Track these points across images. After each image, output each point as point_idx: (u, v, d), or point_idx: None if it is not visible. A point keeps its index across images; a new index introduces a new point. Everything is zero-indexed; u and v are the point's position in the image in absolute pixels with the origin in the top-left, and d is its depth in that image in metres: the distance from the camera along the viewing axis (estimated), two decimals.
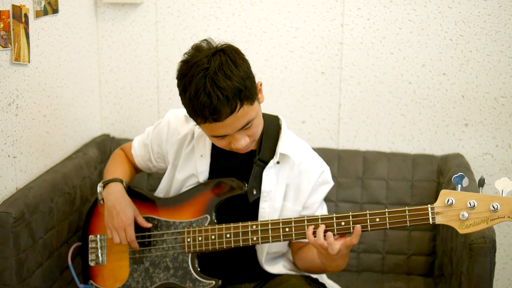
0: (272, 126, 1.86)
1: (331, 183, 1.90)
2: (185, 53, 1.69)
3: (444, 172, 2.29)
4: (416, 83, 2.39)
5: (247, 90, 1.63)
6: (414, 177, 2.35)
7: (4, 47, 1.85)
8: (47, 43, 2.13)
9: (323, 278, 2.02)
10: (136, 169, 2.07)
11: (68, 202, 2.12)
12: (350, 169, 2.38)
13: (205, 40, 1.69)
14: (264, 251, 1.87)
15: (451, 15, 2.32)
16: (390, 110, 2.43)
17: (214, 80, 1.59)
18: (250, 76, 1.66)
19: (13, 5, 1.88)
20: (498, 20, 2.29)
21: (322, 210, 1.91)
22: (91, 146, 2.41)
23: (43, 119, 2.14)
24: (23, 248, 1.85)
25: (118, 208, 1.85)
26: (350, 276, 2.32)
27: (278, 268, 1.92)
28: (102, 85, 2.58)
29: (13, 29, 1.88)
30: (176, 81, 1.69)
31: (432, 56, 2.36)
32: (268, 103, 2.47)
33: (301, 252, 1.90)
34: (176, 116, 1.93)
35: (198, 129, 1.88)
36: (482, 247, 1.73)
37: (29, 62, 1.99)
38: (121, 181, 1.92)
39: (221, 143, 1.71)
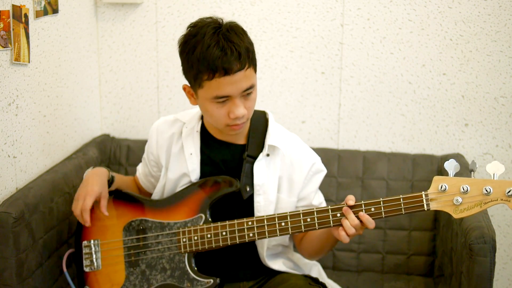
0: (259, 121, 1.87)
1: (323, 171, 1.91)
2: (190, 24, 1.75)
3: (444, 172, 2.29)
4: (416, 83, 2.39)
5: (254, 55, 1.72)
6: (414, 177, 2.35)
7: (4, 47, 1.85)
8: (47, 43, 2.13)
9: (323, 277, 2.02)
10: (143, 193, 2.09)
11: (68, 202, 2.12)
12: (350, 169, 2.38)
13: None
14: (265, 246, 1.87)
15: (451, 15, 2.32)
16: (390, 110, 2.43)
17: (226, 36, 1.67)
18: (254, 47, 1.74)
19: (13, 5, 1.88)
20: (498, 20, 2.29)
21: (319, 199, 1.91)
22: (91, 146, 2.41)
23: (43, 119, 2.14)
24: (23, 248, 1.85)
25: (90, 181, 1.87)
26: (350, 276, 2.32)
27: (278, 264, 1.91)
28: (102, 85, 2.58)
29: (13, 29, 1.88)
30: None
31: (432, 56, 2.36)
32: (268, 103, 2.47)
33: (308, 237, 1.89)
34: (164, 120, 1.96)
35: (186, 128, 1.88)
36: (482, 247, 1.73)
37: (29, 62, 1.99)
38: (109, 171, 1.94)
39: (219, 112, 1.71)
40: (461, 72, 2.36)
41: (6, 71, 1.89)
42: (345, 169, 2.38)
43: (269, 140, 1.82)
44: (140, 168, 2.08)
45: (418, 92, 2.40)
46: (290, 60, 2.45)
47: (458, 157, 2.33)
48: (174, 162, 1.90)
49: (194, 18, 2.45)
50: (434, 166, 2.34)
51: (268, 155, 1.83)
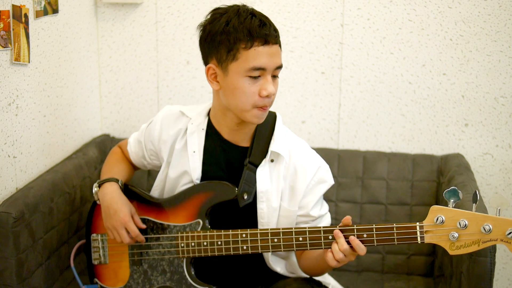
0: (267, 123, 1.82)
1: (328, 182, 1.82)
2: (211, 11, 1.74)
3: (444, 172, 2.29)
4: (416, 83, 2.39)
5: None
6: (414, 177, 2.35)
7: (4, 47, 1.85)
8: (47, 43, 2.13)
9: (325, 277, 1.99)
10: (134, 166, 2.06)
11: (68, 202, 2.12)
12: (350, 169, 2.38)
13: None
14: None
15: (451, 15, 2.32)
16: (390, 110, 2.43)
17: (259, 13, 1.70)
18: None
19: (13, 5, 1.88)
20: (498, 20, 2.29)
21: (320, 210, 1.83)
22: (91, 146, 2.41)
23: (43, 119, 2.14)
24: (23, 248, 1.85)
25: (115, 207, 1.83)
26: (350, 276, 2.32)
27: (281, 266, 1.90)
28: (102, 85, 2.58)
29: (13, 29, 1.88)
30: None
31: (432, 56, 2.36)
32: None
33: (304, 255, 1.84)
34: (171, 111, 1.91)
35: (191, 125, 1.85)
36: None
37: (29, 62, 1.99)
38: (117, 181, 1.90)
39: (250, 89, 1.67)
40: (461, 72, 2.36)
41: (6, 71, 1.89)
42: (345, 169, 2.38)
43: (273, 146, 1.78)
44: (132, 146, 2.00)
45: (418, 92, 2.40)
46: (290, 60, 2.45)
47: (458, 157, 2.33)
48: (177, 159, 1.87)
49: (194, 18, 2.47)
50: (434, 166, 2.34)
51: (272, 160, 1.79)
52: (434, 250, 2.33)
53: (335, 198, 2.37)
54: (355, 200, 2.37)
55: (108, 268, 1.93)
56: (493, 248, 1.73)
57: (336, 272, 2.32)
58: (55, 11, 2.15)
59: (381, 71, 2.40)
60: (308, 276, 1.91)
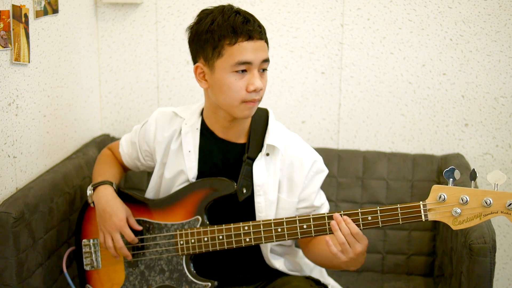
0: (260, 119, 1.85)
1: (325, 171, 1.87)
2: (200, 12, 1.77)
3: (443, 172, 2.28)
4: (416, 83, 2.39)
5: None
6: (414, 177, 2.35)
7: (4, 47, 1.85)
8: (47, 43, 2.13)
9: (324, 277, 2.01)
10: (124, 168, 2.06)
11: (68, 202, 2.12)
12: (350, 169, 2.38)
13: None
14: (268, 245, 1.86)
15: (451, 15, 2.32)
16: (390, 110, 2.43)
17: (243, 11, 1.73)
18: None
19: (13, 5, 1.88)
20: (498, 20, 2.30)
21: (320, 199, 1.88)
22: (91, 146, 2.41)
23: (43, 119, 2.14)
24: (23, 248, 1.85)
25: (109, 211, 1.83)
26: (350, 276, 2.32)
27: (280, 263, 1.90)
28: (102, 85, 2.58)
29: (13, 29, 1.88)
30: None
31: (432, 56, 2.36)
32: (268, 103, 2.47)
33: (315, 248, 1.84)
34: (164, 113, 1.92)
35: (185, 125, 1.86)
36: (482, 247, 1.73)
37: (29, 62, 1.99)
38: (111, 184, 1.90)
39: (238, 85, 1.69)
40: (461, 72, 2.36)
41: (6, 71, 1.89)
42: (345, 169, 2.38)
43: (268, 139, 1.81)
44: (125, 148, 2.01)
45: (418, 92, 2.40)
46: (290, 60, 2.45)
47: (458, 157, 2.33)
48: (172, 159, 1.88)
49: (194, 18, 2.47)
50: (434, 166, 2.34)
51: (268, 154, 1.81)
52: (434, 250, 2.33)
53: (335, 198, 2.37)
54: (355, 200, 2.37)
55: (102, 273, 1.92)
56: (493, 248, 1.73)
57: (336, 272, 2.32)
58: (55, 11, 2.15)
59: (381, 71, 2.40)
60: (307, 274, 1.93)
